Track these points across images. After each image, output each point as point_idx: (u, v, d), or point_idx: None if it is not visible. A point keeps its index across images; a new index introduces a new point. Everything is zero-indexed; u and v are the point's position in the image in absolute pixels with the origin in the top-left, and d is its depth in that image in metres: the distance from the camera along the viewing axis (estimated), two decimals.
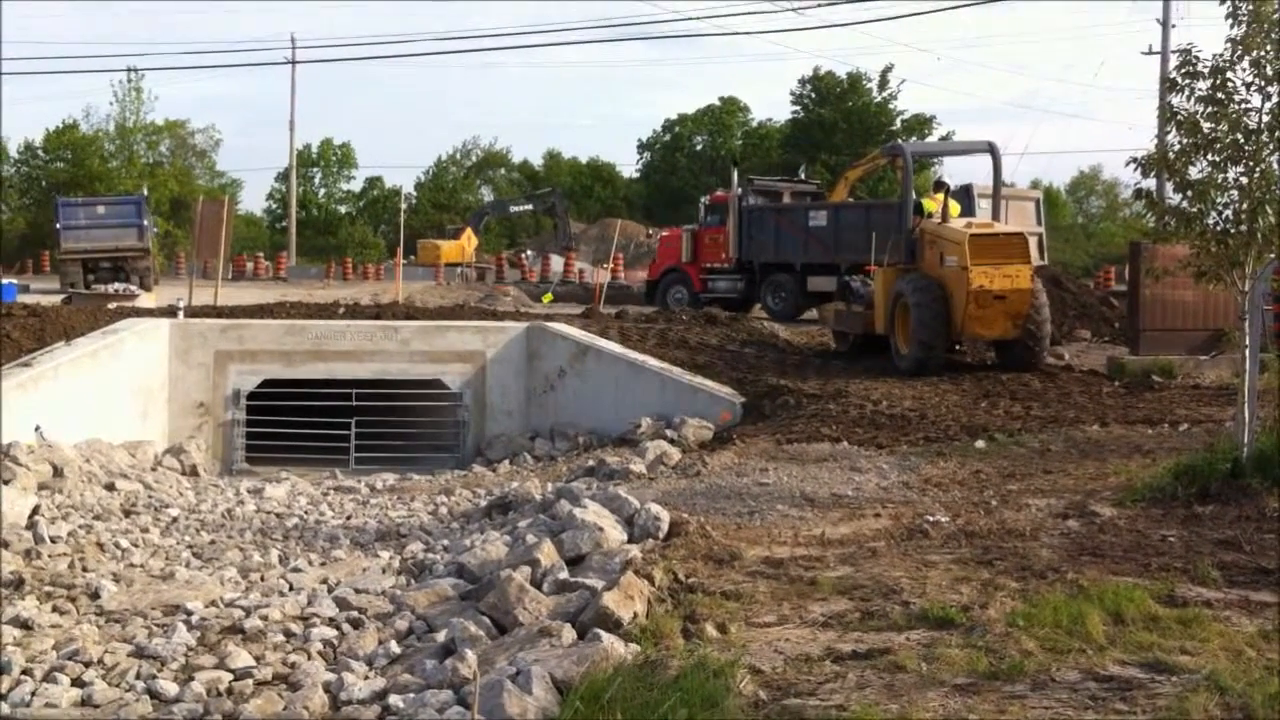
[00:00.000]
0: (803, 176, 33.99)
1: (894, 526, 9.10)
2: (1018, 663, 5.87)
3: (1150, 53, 44.10)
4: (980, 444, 12.71)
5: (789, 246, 28.01)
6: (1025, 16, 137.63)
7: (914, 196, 19.42)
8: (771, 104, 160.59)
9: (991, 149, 19.95)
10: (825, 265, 26.98)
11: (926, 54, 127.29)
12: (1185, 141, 10.32)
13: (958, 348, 18.44)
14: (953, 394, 15.78)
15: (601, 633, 6.63)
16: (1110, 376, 17.37)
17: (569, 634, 6.88)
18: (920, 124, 71.31)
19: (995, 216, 19.50)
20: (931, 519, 9.18)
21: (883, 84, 72.71)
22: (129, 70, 75.75)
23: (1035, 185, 20.17)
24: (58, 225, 38.19)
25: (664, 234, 34.89)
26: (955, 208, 18.94)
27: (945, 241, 17.68)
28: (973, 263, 16.90)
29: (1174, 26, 42.31)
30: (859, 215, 27.28)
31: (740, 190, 29.45)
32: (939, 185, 20.27)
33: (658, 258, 32.25)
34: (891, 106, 72.74)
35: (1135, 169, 10.67)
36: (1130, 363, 17.90)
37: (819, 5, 32.47)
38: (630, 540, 8.91)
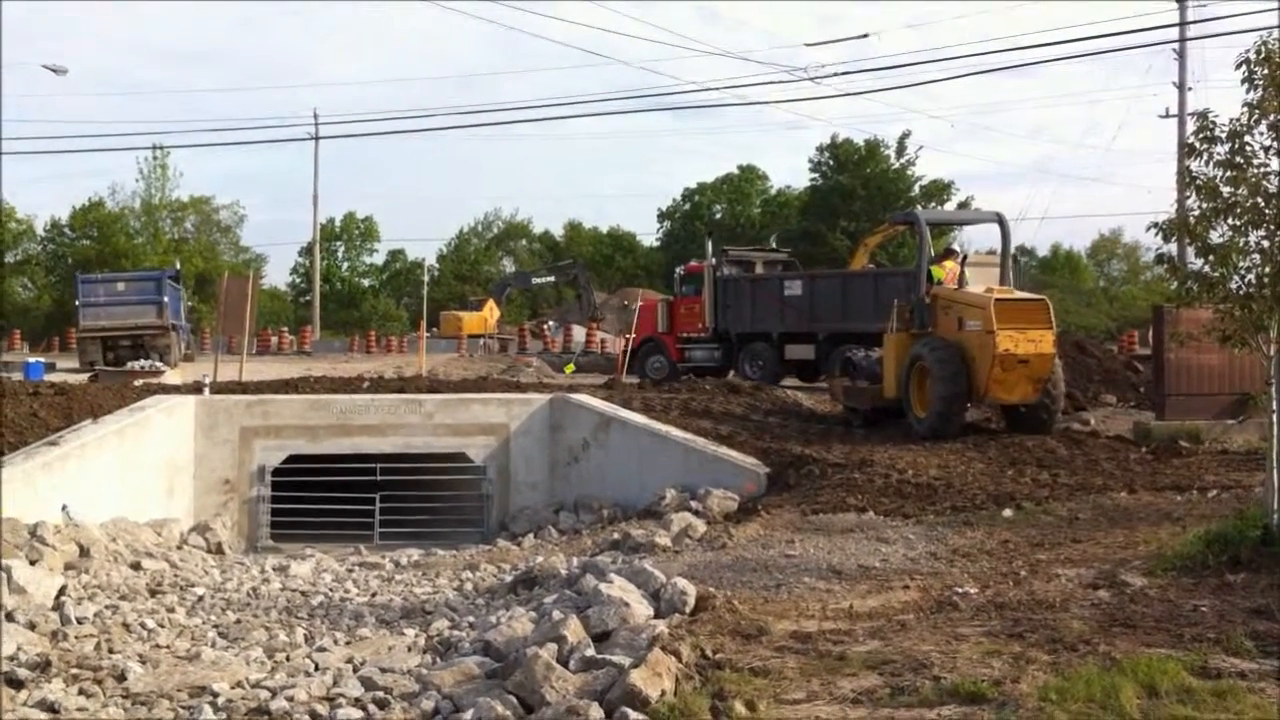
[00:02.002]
0: (774, 246, 34.59)
1: (923, 599, 9.03)
2: None
3: (1167, 116, 44.21)
4: (1008, 513, 12.63)
5: (765, 315, 28.40)
6: (1040, 82, 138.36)
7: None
8: (790, 171, 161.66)
9: (1000, 220, 20.22)
10: (802, 334, 27.52)
11: (942, 120, 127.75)
12: (1205, 206, 10.32)
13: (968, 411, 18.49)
14: (978, 462, 15.69)
15: (629, 711, 6.58)
16: (1137, 442, 17.26)
17: (596, 713, 6.82)
18: (938, 189, 71.57)
19: (1004, 284, 19.56)
20: (960, 591, 9.10)
21: (900, 150, 73.09)
22: (154, 148, 76.76)
23: (990, 252, 20.51)
24: (77, 302, 38.34)
25: (640, 304, 35.22)
26: (966, 274, 19.14)
27: (966, 306, 17.83)
28: (999, 326, 17.05)
29: (1190, 90, 42.43)
30: (835, 285, 28.07)
31: (715, 260, 29.85)
32: (949, 253, 20.40)
33: (636, 328, 32.66)
34: (909, 172, 73.07)
35: (1156, 234, 10.69)
36: (1157, 428, 17.80)
37: (835, 75, 32.85)
38: (657, 615, 8.85)
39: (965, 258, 20.44)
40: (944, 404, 17.27)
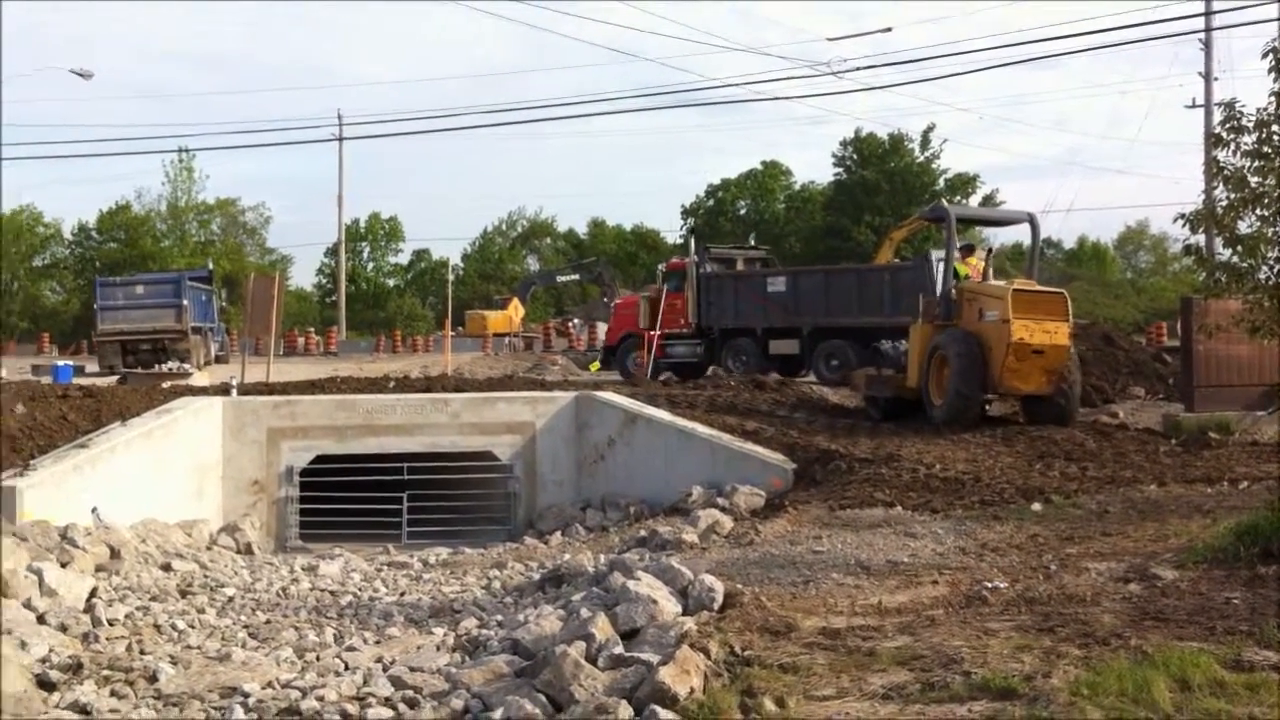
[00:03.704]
0: (753, 244, 35.56)
1: (952, 594, 9.00)
2: None
3: (1194, 106, 43.99)
4: (1037, 506, 12.58)
5: (748, 311, 29.11)
6: (1066, 74, 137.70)
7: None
8: (814, 166, 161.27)
9: (1031, 220, 20.22)
10: (786, 329, 28.25)
11: (968, 113, 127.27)
12: (1233, 196, 10.25)
13: (987, 406, 18.64)
14: (1006, 455, 15.64)
15: (658, 709, 6.57)
16: (1166, 435, 17.22)
17: (625, 711, 6.82)
18: (963, 183, 71.41)
19: (1030, 278, 19.63)
20: (990, 585, 9.06)
21: (924, 144, 72.89)
22: (180, 150, 77.27)
23: (980, 244, 20.92)
24: (96, 306, 38.11)
25: (619, 301, 35.68)
26: (991, 271, 19.39)
27: (986, 297, 18.12)
28: (1014, 316, 17.29)
29: (1217, 80, 42.21)
30: (818, 281, 29.19)
31: (697, 258, 30.66)
32: (968, 248, 20.44)
33: (615, 324, 33.20)
34: (934, 166, 72.88)
35: (1184, 225, 10.63)
36: (1186, 420, 17.72)
37: (858, 69, 32.74)
38: (685, 612, 8.85)
39: (991, 251, 20.53)
40: (959, 392, 17.56)
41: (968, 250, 20.45)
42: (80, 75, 42.97)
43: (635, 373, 29.75)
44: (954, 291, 18.69)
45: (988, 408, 18.78)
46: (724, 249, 35.16)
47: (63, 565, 12.15)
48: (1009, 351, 17.21)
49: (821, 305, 27.90)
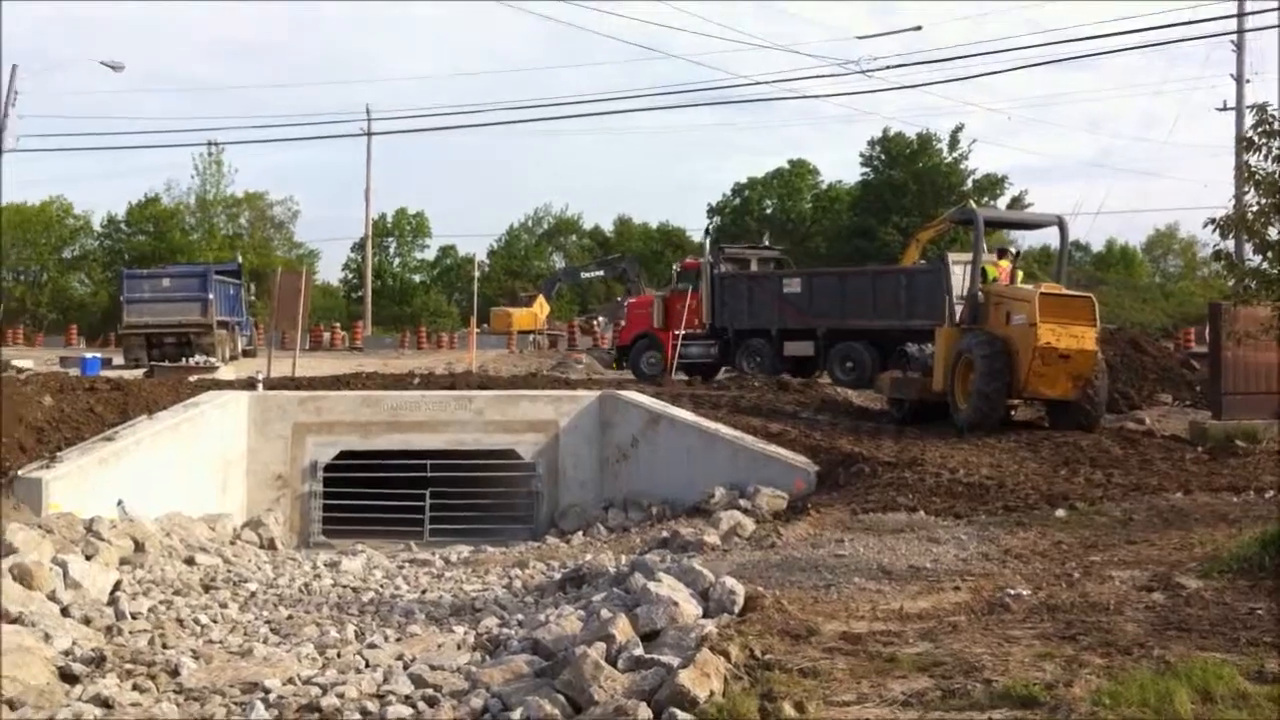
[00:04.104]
0: (767, 244, 35.51)
1: (974, 600, 8.96)
2: None
3: (1225, 109, 43.69)
4: (1061, 513, 12.51)
5: (764, 312, 29.06)
6: (1096, 75, 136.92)
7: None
8: (842, 166, 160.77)
9: (1060, 223, 20.04)
10: (801, 331, 28.22)
11: (998, 114, 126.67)
12: (1264, 201, 10.17)
13: (1012, 411, 18.54)
14: (1031, 461, 15.56)
15: (678, 712, 6.56)
16: (1193, 442, 17.07)
17: (644, 713, 6.81)
18: (991, 184, 71.05)
19: (1057, 283, 19.51)
20: (1012, 592, 9.02)
21: (953, 144, 72.56)
22: (209, 144, 77.47)
23: (1006, 251, 20.65)
24: (122, 298, 38.09)
25: (632, 301, 35.68)
26: (1019, 274, 19.18)
27: (1013, 301, 18.02)
28: (1041, 320, 17.19)
29: (1249, 82, 41.91)
30: (834, 282, 29.34)
31: (712, 258, 30.63)
32: (1003, 252, 20.35)
33: (627, 324, 33.17)
34: (962, 166, 72.54)
35: (1213, 230, 10.55)
36: (1213, 428, 17.58)
37: (887, 68, 32.53)
38: (705, 615, 8.83)
39: (1018, 254, 20.40)
40: (983, 396, 17.46)
41: (1002, 253, 20.31)
42: (111, 68, 43.28)
43: (648, 371, 29.96)
44: (981, 294, 18.56)
45: (1012, 413, 18.68)
46: (739, 249, 35.13)
47: (87, 558, 12.24)
48: (1035, 356, 17.12)
49: (837, 307, 27.90)
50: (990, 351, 17.54)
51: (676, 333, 29.35)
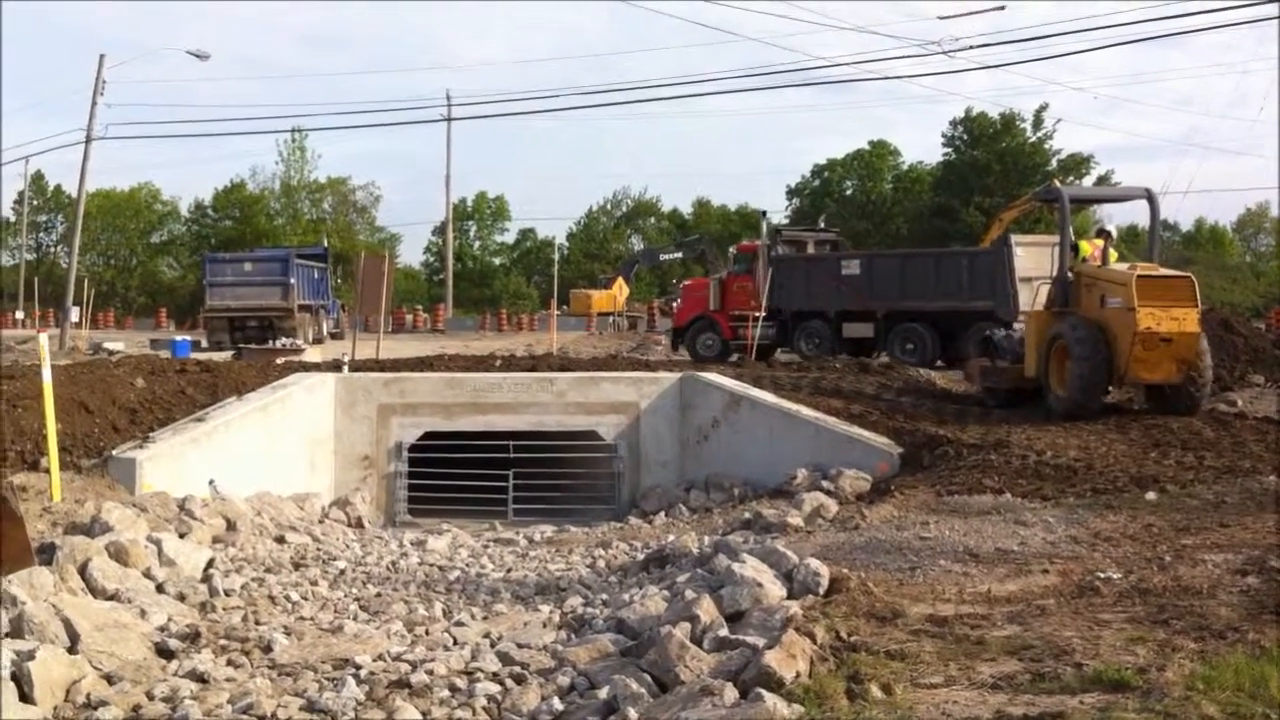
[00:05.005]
0: (822, 226, 35.56)
1: (1063, 583, 8.85)
2: None
3: None
4: (1151, 496, 12.30)
5: (822, 294, 29.22)
6: (1184, 54, 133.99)
7: (1071, 239, 18.99)
8: (926, 147, 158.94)
9: (1149, 195, 19.33)
10: (860, 312, 28.42)
11: (1082, 93, 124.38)
12: None
13: (1110, 392, 18.03)
14: (1120, 443, 15.31)
15: (764, 693, 6.57)
16: None
17: (731, 693, 6.82)
18: (1076, 164, 70.05)
19: (1152, 260, 18.92)
20: (1102, 575, 8.90)
21: (1037, 124, 71.58)
22: (294, 130, 78.68)
23: (1105, 231, 20.20)
24: (205, 282, 38.78)
25: (688, 283, 35.75)
26: (1113, 254, 18.54)
27: (1108, 284, 17.31)
28: (1140, 304, 16.51)
29: None
30: (893, 264, 29.48)
31: (769, 240, 30.94)
32: (1102, 233, 19.81)
33: (684, 306, 33.29)
34: (1046, 146, 71.56)
35: None
36: None
37: (969, 48, 32.14)
38: (790, 596, 8.82)
39: (1112, 239, 19.73)
40: (1083, 383, 16.91)
41: (1100, 233, 19.74)
42: (197, 56, 43.93)
43: (703, 353, 30.30)
44: (1071, 275, 18.05)
45: (1110, 394, 18.21)
46: (795, 231, 35.37)
47: (181, 536, 12.51)
48: (1136, 341, 16.45)
49: (896, 289, 28.03)
50: (1085, 337, 16.95)
51: (756, 315, 29.29)
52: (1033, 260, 26.46)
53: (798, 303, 29.40)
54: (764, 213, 36.92)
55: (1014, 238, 25.96)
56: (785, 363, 25.83)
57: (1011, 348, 19.05)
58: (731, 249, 34.15)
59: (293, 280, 36.90)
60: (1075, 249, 18.57)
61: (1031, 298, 25.45)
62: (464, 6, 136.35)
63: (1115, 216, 54.16)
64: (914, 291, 27.69)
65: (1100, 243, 18.73)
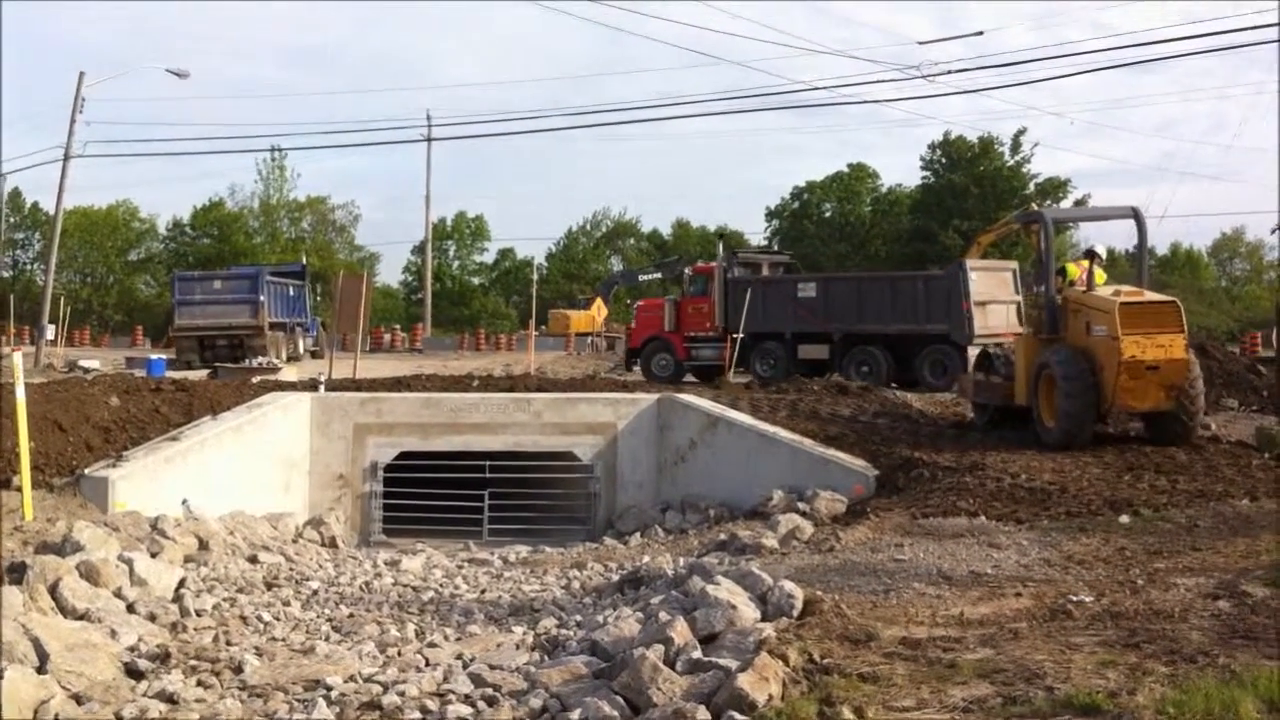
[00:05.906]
0: (775, 249, 35.93)
1: (1036, 606, 8.87)
2: None
3: None
4: (1124, 519, 12.36)
5: (777, 315, 29.40)
6: (1162, 79, 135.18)
7: (1056, 262, 18.75)
8: (904, 170, 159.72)
9: (1136, 214, 19.03)
10: (816, 334, 28.65)
11: (1063, 117, 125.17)
12: None
13: (1107, 423, 17.76)
14: (1094, 466, 15.37)
15: (737, 715, 6.56)
16: (1259, 448, 16.70)
17: (703, 715, 6.82)
18: (1054, 187, 70.45)
19: (1140, 283, 18.72)
20: (1075, 599, 8.93)
21: (1015, 148, 72.04)
22: (273, 149, 78.50)
23: (1093, 253, 20.08)
24: (174, 301, 38.48)
25: (640, 304, 35.92)
26: (1101, 276, 18.21)
27: (1092, 310, 16.95)
28: (1124, 332, 16.16)
29: None
30: (849, 286, 29.94)
31: (725, 262, 31.26)
32: (1089, 253, 19.47)
33: (636, 327, 33.47)
34: (1024, 170, 72.02)
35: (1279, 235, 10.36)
36: None
37: (948, 72, 32.28)
38: (764, 618, 8.82)
39: (1100, 259, 19.37)
40: (1070, 418, 16.51)
41: (1089, 255, 19.39)
42: (176, 75, 43.81)
43: (658, 374, 30.60)
44: (1059, 300, 17.66)
45: (1106, 425, 17.82)
46: (750, 253, 35.67)
47: (153, 555, 12.43)
48: (1122, 370, 16.10)
49: (853, 311, 28.32)
50: (1073, 369, 16.52)
51: (735, 336, 29.32)
52: (986, 284, 26.84)
53: (754, 324, 29.41)
54: (720, 234, 37.21)
55: (969, 262, 26.20)
56: (763, 384, 25.86)
57: (1008, 366, 18.75)
58: (686, 270, 34.27)
59: (263, 298, 36.62)
60: (1063, 272, 18.37)
61: (983, 321, 25.87)
62: (443, 25, 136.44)
63: (1094, 239, 54.33)
64: (870, 314, 28.02)
65: (1086, 264, 18.44)
